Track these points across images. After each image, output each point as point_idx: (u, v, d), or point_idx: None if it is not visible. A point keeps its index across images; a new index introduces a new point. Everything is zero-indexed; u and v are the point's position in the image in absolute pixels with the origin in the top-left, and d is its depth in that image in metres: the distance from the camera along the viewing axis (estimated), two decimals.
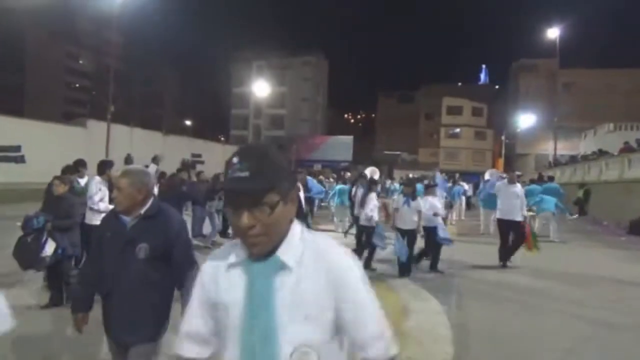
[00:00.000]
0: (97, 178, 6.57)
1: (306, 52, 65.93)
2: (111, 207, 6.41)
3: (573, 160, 30.89)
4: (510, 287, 7.27)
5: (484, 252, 9.85)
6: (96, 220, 6.47)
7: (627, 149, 21.08)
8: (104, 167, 6.69)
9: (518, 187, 9.19)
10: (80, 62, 70.34)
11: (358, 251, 8.33)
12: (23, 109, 49.02)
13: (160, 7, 61.63)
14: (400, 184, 15.22)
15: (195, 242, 11.21)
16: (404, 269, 7.88)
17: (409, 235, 7.99)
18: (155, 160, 7.99)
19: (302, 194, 9.22)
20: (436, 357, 4.51)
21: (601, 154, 25.04)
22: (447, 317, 5.73)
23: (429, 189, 9.03)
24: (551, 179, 15.14)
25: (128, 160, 11.83)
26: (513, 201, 8.93)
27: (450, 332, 5.17)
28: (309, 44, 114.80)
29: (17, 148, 21.20)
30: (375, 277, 7.91)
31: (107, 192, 6.51)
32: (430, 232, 8.34)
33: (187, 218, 11.80)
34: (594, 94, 48.53)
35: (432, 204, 8.48)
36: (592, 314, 6.04)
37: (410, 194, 8.07)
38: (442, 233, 8.39)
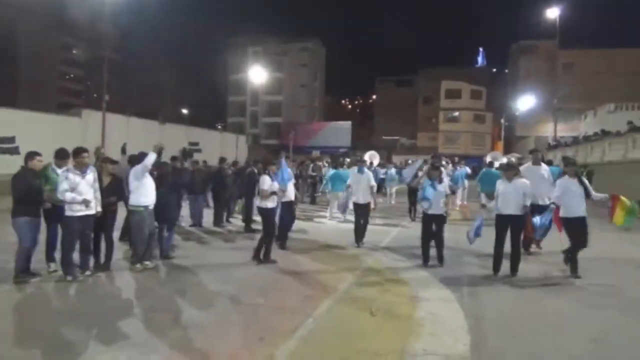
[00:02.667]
0: (68, 166, 6.41)
1: (303, 37, 65.18)
2: (79, 197, 6.22)
3: (575, 141, 30.60)
4: (525, 275, 6.92)
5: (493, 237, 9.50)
6: (69, 211, 6.27)
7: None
8: (74, 155, 6.45)
9: (544, 168, 8.66)
10: (75, 52, 69.50)
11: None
12: (17, 100, 48.42)
13: None
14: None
15: (192, 229, 11.01)
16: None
17: (437, 221, 7.61)
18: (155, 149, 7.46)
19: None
20: (452, 348, 4.27)
21: (604, 134, 24.74)
22: (459, 305, 5.50)
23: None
24: (549, 162, 14.53)
25: (124, 150, 11.48)
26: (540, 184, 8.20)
27: (465, 321, 4.94)
28: (306, 29, 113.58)
29: (11, 139, 20.79)
30: (384, 266, 7.70)
31: (79, 181, 6.30)
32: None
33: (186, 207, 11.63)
34: (594, 74, 48.10)
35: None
36: (618, 300, 5.78)
37: (437, 177, 7.61)
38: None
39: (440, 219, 7.59)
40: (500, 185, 7.12)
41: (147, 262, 7.08)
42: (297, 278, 6.80)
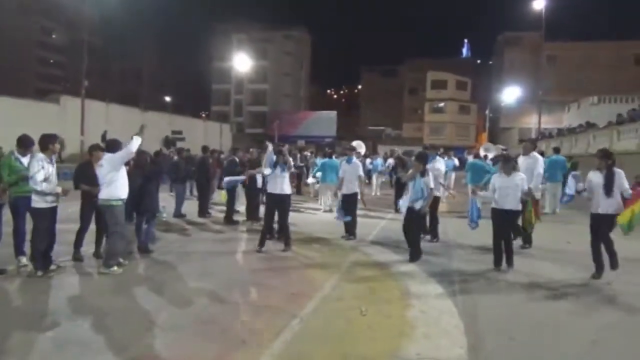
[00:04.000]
0: (40, 155, 5.92)
1: (288, 25, 64.38)
2: (58, 188, 5.80)
3: (560, 133, 30.76)
4: (518, 270, 6.68)
5: (483, 230, 9.23)
6: (42, 202, 5.86)
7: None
8: (46, 142, 6.01)
9: (533, 160, 8.35)
10: (54, 36, 67.50)
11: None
12: None
13: None
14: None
15: (174, 220, 10.62)
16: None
17: (413, 214, 7.27)
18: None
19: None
20: (449, 351, 4.01)
21: (589, 126, 24.85)
22: (453, 303, 5.26)
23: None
24: (557, 150, 14.36)
25: (104, 137, 10.97)
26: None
27: (460, 321, 4.69)
28: (291, 17, 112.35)
29: None
30: (372, 260, 7.44)
31: (52, 170, 5.92)
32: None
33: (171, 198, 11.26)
34: (578, 67, 48.40)
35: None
36: (615, 298, 5.57)
37: (422, 170, 7.27)
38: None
39: (415, 212, 7.23)
40: (497, 179, 6.84)
41: (120, 260, 6.63)
42: (283, 274, 6.50)
